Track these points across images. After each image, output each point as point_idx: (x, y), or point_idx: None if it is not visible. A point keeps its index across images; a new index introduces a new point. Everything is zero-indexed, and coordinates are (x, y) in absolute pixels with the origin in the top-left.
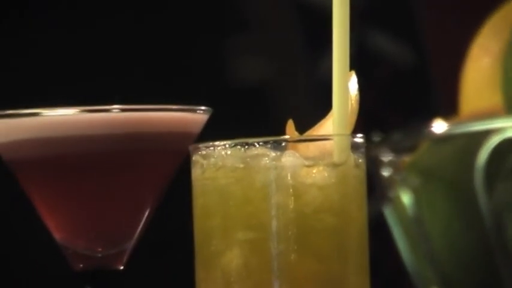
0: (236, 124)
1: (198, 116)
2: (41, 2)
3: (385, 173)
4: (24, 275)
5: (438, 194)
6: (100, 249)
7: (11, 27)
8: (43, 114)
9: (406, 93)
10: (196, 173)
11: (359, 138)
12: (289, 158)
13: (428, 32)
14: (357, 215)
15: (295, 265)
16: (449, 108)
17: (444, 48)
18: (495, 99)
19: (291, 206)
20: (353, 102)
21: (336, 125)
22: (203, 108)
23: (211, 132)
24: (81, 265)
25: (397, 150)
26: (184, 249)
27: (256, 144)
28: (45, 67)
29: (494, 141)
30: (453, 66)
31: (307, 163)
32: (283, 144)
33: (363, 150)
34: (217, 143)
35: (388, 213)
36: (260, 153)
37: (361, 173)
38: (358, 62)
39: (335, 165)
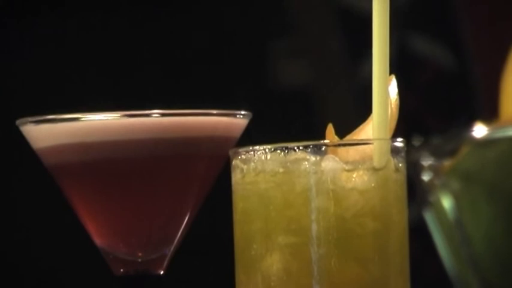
0: (276, 128)
1: (238, 121)
2: (81, 4)
3: (426, 177)
4: (66, 279)
5: (479, 198)
6: (140, 254)
7: (50, 30)
8: (83, 118)
9: (446, 97)
10: (236, 177)
11: (399, 143)
12: (329, 163)
13: (469, 36)
14: (398, 219)
15: (335, 269)
16: (490, 112)
17: (486, 52)
18: None
19: (331, 211)
20: (393, 106)
21: (375, 129)
22: (243, 112)
23: (251, 136)
24: (122, 270)
25: (438, 155)
26: (224, 253)
27: (296, 148)
28: (86, 71)
29: None
30: (495, 69)
31: (347, 167)
32: (323, 148)
33: (403, 154)
34: (257, 147)
35: (429, 218)
36: (300, 158)
37: (401, 178)
38: (398, 66)
39: (375, 170)
